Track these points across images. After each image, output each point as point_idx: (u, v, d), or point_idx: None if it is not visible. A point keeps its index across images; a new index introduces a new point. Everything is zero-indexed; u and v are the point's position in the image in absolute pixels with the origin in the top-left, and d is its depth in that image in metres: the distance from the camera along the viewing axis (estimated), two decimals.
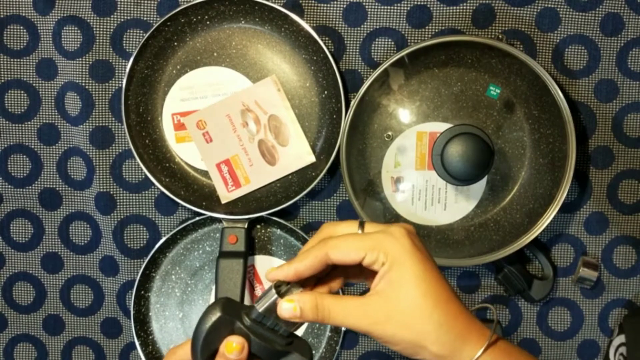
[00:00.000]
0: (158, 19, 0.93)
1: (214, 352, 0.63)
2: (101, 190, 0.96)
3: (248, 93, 0.93)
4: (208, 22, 0.92)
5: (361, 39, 0.93)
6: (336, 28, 0.93)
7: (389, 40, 0.93)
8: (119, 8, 0.93)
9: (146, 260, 0.94)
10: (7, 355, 0.99)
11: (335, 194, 0.96)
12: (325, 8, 0.93)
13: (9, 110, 0.96)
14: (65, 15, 0.93)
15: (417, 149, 0.91)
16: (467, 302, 0.96)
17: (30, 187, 0.97)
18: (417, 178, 0.91)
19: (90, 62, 0.94)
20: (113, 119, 0.95)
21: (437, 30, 0.93)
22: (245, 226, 0.93)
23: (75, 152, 0.96)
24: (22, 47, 0.94)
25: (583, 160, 0.94)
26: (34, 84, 0.95)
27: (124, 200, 0.96)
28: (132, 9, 0.93)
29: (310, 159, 0.93)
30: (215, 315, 0.62)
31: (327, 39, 0.93)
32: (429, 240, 0.92)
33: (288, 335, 0.63)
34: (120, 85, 0.94)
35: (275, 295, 0.62)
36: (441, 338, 0.61)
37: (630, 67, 0.93)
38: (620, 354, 0.92)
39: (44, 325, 0.99)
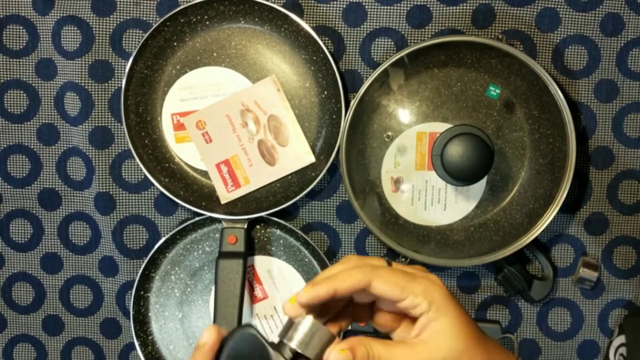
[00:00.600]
0: (158, 19, 0.93)
1: None
2: (100, 190, 0.96)
3: (248, 93, 0.93)
4: (207, 22, 0.92)
5: (361, 39, 0.93)
6: (336, 28, 0.93)
7: (389, 40, 0.93)
8: (118, 8, 0.93)
9: (146, 261, 0.94)
10: (6, 355, 0.99)
11: (335, 194, 0.95)
12: (325, 8, 0.93)
13: (9, 110, 0.95)
14: (64, 15, 0.93)
15: (417, 149, 0.91)
16: (467, 302, 0.96)
17: (29, 187, 0.97)
18: (417, 178, 0.91)
19: (90, 62, 0.94)
20: (112, 119, 0.95)
21: (437, 30, 0.92)
22: (245, 226, 0.93)
23: (75, 152, 0.96)
24: (21, 47, 0.94)
25: (583, 161, 0.94)
26: (34, 84, 0.95)
27: (124, 201, 0.96)
28: (131, 9, 0.93)
29: (310, 159, 0.93)
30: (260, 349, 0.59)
31: (326, 39, 0.93)
32: (429, 240, 0.92)
33: None
34: (119, 85, 0.94)
35: (320, 333, 0.60)
36: None
37: (630, 67, 0.93)
38: (620, 355, 0.92)
39: (44, 325, 0.99)
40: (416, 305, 0.61)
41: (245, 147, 0.93)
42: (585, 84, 0.93)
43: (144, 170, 0.92)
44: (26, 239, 0.98)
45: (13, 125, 0.96)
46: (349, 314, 0.65)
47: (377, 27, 0.93)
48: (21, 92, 0.95)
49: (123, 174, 0.96)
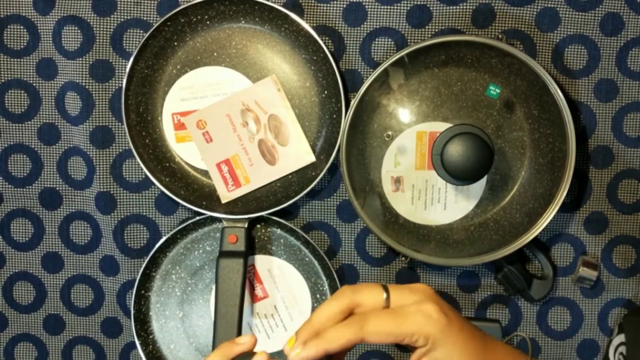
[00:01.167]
0: (158, 18, 0.93)
1: None
2: (101, 190, 0.96)
3: (248, 93, 0.93)
4: (208, 22, 0.93)
5: (361, 39, 0.93)
6: (336, 28, 0.93)
7: (389, 40, 0.93)
8: (119, 8, 0.93)
9: (146, 260, 0.94)
10: (7, 354, 0.99)
11: (335, 194, 0.96)
12: (325, 8, 0.93)
13: (9, 110, 0.96)
14: (65, 15, 0.93)
15: (417, 149, 0.91)
16: (467, 301, 0.97)
17: (30, 187, 0.97)
18: (417, 178, 0.91)
19: (91, 62, 0.94)
20: (113, 118, 0.95)
21: (437, 30, 0.93)
22: (246, 226, 0.93)
23: (76, 151, 0.96)
24: (22, 47, 0.94)
25: (583, 160, 0.94)
26: (34, 84, 0.95)
27: (124, 200, 0.96)
28: (132, 8, 0.93)
29: (310, 158, 0.93)
30: None
31: (327, 38, 0.93)
32: (429, 239, 0.92)
33: None
34: (120, 85, 0.94)
35: None
36: None
37: (630, 67, 0.93)
38: (620, 354, 0.92)
39: (45, 324, 0.99)
40: (414, 342, 0.62)
41: (245, 147, 0.93)
42: (585, 84, 0.93)
43: (145, 170, 0.92)
44: (27, 239, 0.98)
45: (14, 124, 0.96)
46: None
47: (377, 26, 0.93)
48: (22, 91, 0.95)
49: (124, 174, 0.96)
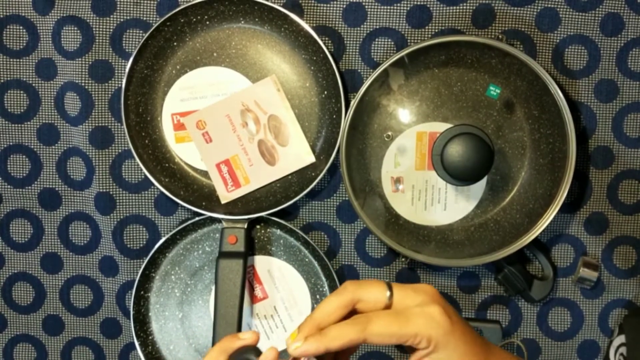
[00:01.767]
0: (158, 19, 0.93)
1: None
2: (101, 190, 0.96)
3: (248, 93, 0.93)
4: (207, 22, 0.92)
5: (361, 39, 0.93)
6: (336, 28, 0.93)
7: (389, 40, 0.93)
8: (118, 8, 0.93)
9: (146, 261, 0.94)
10: (6, 355, 0.99)
11: (335, 194, 0.95)
12: (325, 8, 0.93)
13: (9, 110, 0.95)
14: (64, 15, 0.93)
15: (417, 149, 0.91)
16: (467, 302, 0.96)
17: (29, 187, 0.97)
18: (417, 178, 0.91)
19: (90, 62, 0.94)
20: (113, 119, 0.95)
21: (437, 30, 0.93)
22: (245, 226, 0.93)
23: (75, 152, 0.96)
24: (21, 47, 0.94)
25: (583, 160, 0.94)
26: (34, 84, 0.95)
27: (124, 201, 0.96)
28: (131, 9, 0.93)
29: (310, 159, 0.93)
30: None
31: (327, 39, 0.93)
32: (429, 240, 0.92)
33: None
34: (119, 85, 0.94)
35: None
36: None
37: (630, 67, 0.93)
38: (620, 354, 0.92)
39: (44, 325, 0.99)
40: (416, 344, 0.61)
41: (245, 147, 0.93)
42: (585, 84, 0.93)
43: (144, 170, 0.92)
44: (26, 239, 0.98)
45: (13, 125, 0.96)
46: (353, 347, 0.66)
47: (377, 27, 0.93)
48: (21, 92, 0.95)
49: (123, 174, 0.96)
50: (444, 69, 0.90)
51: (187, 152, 0.94)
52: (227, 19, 0.93)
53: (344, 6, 0.92)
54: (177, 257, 0.96)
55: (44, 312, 0.99)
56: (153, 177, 0.92)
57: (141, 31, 0.93)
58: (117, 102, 0.94)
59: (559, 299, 0.96)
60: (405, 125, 0.91)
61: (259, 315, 0.96)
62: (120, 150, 0.95)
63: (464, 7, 0.92)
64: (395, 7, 0.92)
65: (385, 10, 0.92)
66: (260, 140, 0.93)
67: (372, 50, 0.93)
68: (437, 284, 0.96)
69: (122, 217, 0.96)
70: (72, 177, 0.96)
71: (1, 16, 0.94)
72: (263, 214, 0.92)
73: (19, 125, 0.96)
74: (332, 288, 0.95)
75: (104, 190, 0.96)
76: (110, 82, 0.94)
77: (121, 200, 0.96)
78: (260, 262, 0.96)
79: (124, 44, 0.94)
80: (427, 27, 0.92)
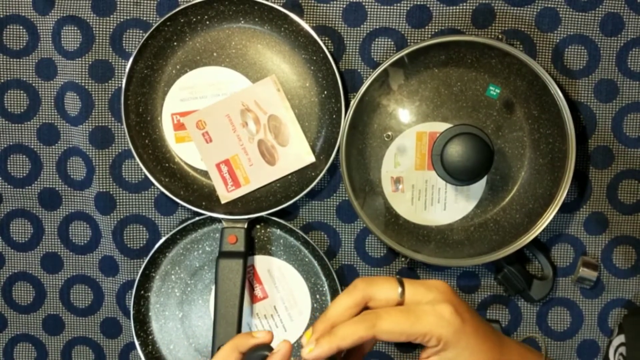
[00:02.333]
0: (158, 19, 0.93)
1: None
2: (101, 190, 0.96)
3: (248, 93, 0.93)
4: (207, 22, 0.92)
5: (361, 39, 0.93)
6: (336, 28, 0.93)
7: (389, 40, 0.93)
8: (118, 8, 0.93)
9: (146, 260, 0.94)
10: (6, 355, 0.99)
11: (335, 194, 0.95)
12: (325, 8, 0.93)
13: (9, 110, 0.96)
14: (64, 15, 0.93)
15: (416, 149, 0.91)
16: (467, 302, 0.96)
17: (30, 187, 0.97)
18: (417, 178, 0.91)
19: (90, 62, 0.94)
20: (113, 119, 0.95)
21: (436, 30, 0.93)
22: (245, 226, 0.93)
23: (75, 152, 0.96)
24: (21, 47, 0.94)
25: (583, 160, 0.94)
26: (34, 84, 0.95)
27: (124, 200, 0.96)
28: (131, 9, 0.93)
29: (310, 159, 0.93)
30: None
31: (326, 39, 0.93)
32: (429, 240, 0.92)
33: None
34: (120, 85, 0.94)
35: None
36: None
37: (630, 67, 0.93)
38: (619, 354, 0.92)
39: (44, 325, 0.99)
40: (426, 342, 0.61)
41: (245, 147, 0.93)
42: (585, 84, 0.93)
43: (144, 170, 0.92)
44: (26, 239, 0.98)
45: (13, 125, 0.96)
46: (367, 343, 0.66)
47: (377, 27, 0.93)
48: (21, 92, 0.95)
49: (123, 174, 0.96)
50: (444, 69, 0.90)
51: (187, 152, 0.94)
52: (227, 18, 0.93)
53: (344, 6, 0.92)
54: (177, 257, 0.96)
55: (44, 312, 0.99)
56: (153, 177, 0.92)
57: (141, 31, 0.93)
58: (117, 102, 0.94)
59: (558, 298, 0.96)
60: (405, 125, 0.91)
61: (259, 315, 0.96)
62: (120, 150, 0.95)
63: (464, 7, 0.92)
64: (395, 7, 0.92)
65: (385, 10, 0.92)
66: (260, 140, 0.93)
67: (372, 50, 0.93)
68: None
69: (122, 216, 0.96)
70: (72, 177, 0.96)
71: (1, 16, 0.94)
72: (263, 213, 0.92)
73: (19, 125, 0.96)
74: (332, 288, 0.95)
75: (104, 190, 0.96)
76: (110, 82, 0.94)
77: (121, 200, 0.96)
78: (260, 261, 0.96)
79: (124, 44, 0.94)
80: (427, 27, 0.92)
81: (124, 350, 0.99)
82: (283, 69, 0.93)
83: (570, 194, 0.95)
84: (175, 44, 0.93)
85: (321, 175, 0.92)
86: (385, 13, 0.92)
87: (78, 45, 0.93)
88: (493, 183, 0.91)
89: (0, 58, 0.95)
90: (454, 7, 0.92)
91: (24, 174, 0.96)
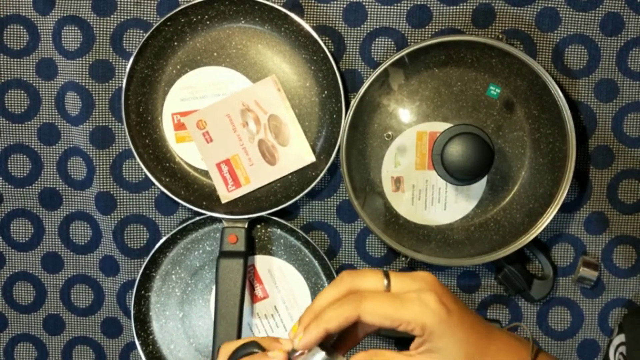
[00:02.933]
0: (158, 18, 0.93)
1: None
2: (101, 190, 0.96)
3: (248, 93, 0.93)
4: (208, 22, 0.92)
5: (361, 39, 0.93)
6: (336, 28, 0.93)
7: (389, 40, 0.93)
8: (119, 8, 0.93)
9: (146, 260, 0.94)
10: (7, 355, 0.99)
11: (335, 194, 0.96)
12: (325, 8, 0.93)
13: (9, 110, 0.96)
14: (65, 15, 0.93)
15: (417, 149, 0.91)
16: (467, 301, 0.97)
17: (30, 187, 0.97)
18: (417, 178, 0.91)
19: (90, 62, 0.94)
20: (113, 118, 0.95)
21: (437, 30, 0.93)
22: (246, 226, 0.93)
23: (76, 152, 0.96)
24: (22, 47, 0.94)
25: (583, 160, 0.94)
26: (34, 84, 0.95)
27: (124, 200, 0.96)
28: (132, 8, 0.93)
29: (310, 159, 0.93)
30: None
31: (327, 38, 0.93)
32: (429, 240, 0.92)
33: None
34: (120, 85, 0.94)
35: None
36: None
37: (630, 66, 0.93)
38: (620, 354, 0.92)
39: (44, 325, 0.99)
40: (410, 330, 0.61)
41: (245, 147, 0.93)
42: (585, 84, 0.93)
43: (145, 170, 0.92)
44: (27, 239, 0.98)
45: (14, 125, 0.96)
46: (359, 330, 0.66)
47: (377, 26, 0.93)
48: (22, 91, 0.95)
49: (124, 174, 0.96)
50: (444, 68, 0.90)
51: (187, 151, 0.94)
52: (228, 18, 0.93)
53: (344, 6, 0.92)
54: (178, 257, 0.96)
55: (45, 312, 0.99)
56: (153, 177, 0.92)
57: (141, 31, 0.93)
58: (118, 101, 0.94)
59: (559, 298, 0.97)
60: (405, 125, 0.91)
61: (259, 314, 0.96)
62: (120, 150, 0.95)
63: (464, 7, 0.92)
64: (395, 7, 0.92)
65: (385, 10, 0.92)
66: (260, 140, 0.93)
67: (372, 50, 0.93)
68: None
69: (122, 216, 0.96)
70: (72, 176, 0.96)
71: (1, 16, 0.94)
72: (263, 213, 0.92)
73: (20, 125, 0.96)
74: None
75: (105, 189, 0.96)
76: (110, 81, 0.94)
77: (122, 200, 0.96)
78: (261, 261, 0.96)
79: (124, 44, 0.94)
80: (427, 27, 0.93)
81: (124, 350, 0.99)
82: (283, 69, 0.93)
83: (571, 193, 0.95)
84: (175, 43, 0.93)
85: (321, 175, 0.92)
86: (385, 13, 0.92)
87: (78, 45, 0.93)
88: (493, 183, 0.91)
89: (1, 58, 0.95)
90: (454, 7, 0.92)
91: (25, 174, 0.96)
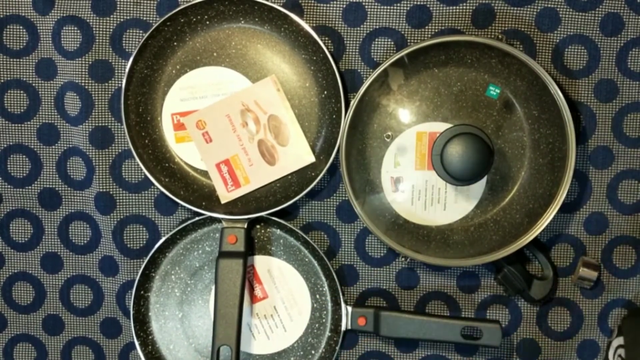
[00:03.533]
0: (158, 19, 0.93)
1: None
2: (101, 190, 0.96)
3: (248, 93, 0.93)
4: (207, 22, 0.92)
5: (361, 39, 0.93)
6: (336, 28, 0.93)
7: (389, 40, 0.93)
8: (118, 8, 0.93)
9: (146, 260, 0.94)
10: (6, 355, 0.99)
11: (335, 194, 0.95)
12: (325, 8, 0.93)
13: (9, 110, 0.96)
14: (64, 15, 0.93)
15: (416, 149, 0.91)
16: (467, 302, 0.97)
17: (29, 187, 0.97)
18: (416, 178, 0.91)
19: (90, 62, 0.94)
20: (113, 119, 0.95)
21: (436, 30, 0.93)
22: (245, 226, 0.93)
23: (75, 152, 0.96)
24: (21, 47, 0.94)
25: (583, 160, 0.94)
26: (34, 84, 0.95)
27: (124, 200, 0.96)
28: (131, 9, 0.93)
29: (310, 159, 0.93)
30: None
31: (326, 39, 0.93)
32: (429, 240, 0.92)
33: None
34: (119, 85, 0.94)
35: None
36: None
37: (630, 67, 0.93)
38: (618, 356, 0.92)
39: (44, 325, 0.99)
40: None
41: (245, 147, 0.93)
42: (585, 84, 0.93)
43: (144, 170, 0.92)
44: (26, 239, 0.98)
45: (13, 125, 0.96)
46: None
47: (377, 27, 0.93)
48: (21, 92, 0.95)
49: (123, 174, 0.96)
50: (443, 69, 0.90)
51: (187, 152, 0.94)
52: (227, 18, 0.93)
53: (344, 6, 0.92)
54: (177, 257, 0.96)
55: (44, 312, 0.99)
56: (153, 177, 0.92)
57: (141, 31, 0.93)
58: (117, 102, 0.94)
59: (558, 298, 0.96)
60: (405, 125, 0.91)
61: (258, 315, 0.96)
62: (120, 150, 0.95)
63: (464, 7, 0.92)
64: (395, 7, 0.92)
65: (385, 10, 0.92)
66: (260, 140, 0.93)
67: (372, 50, 0.93)
68: (437, 283, 0.97)
69: (122, 217, 0.96)
70: (72, 177, 0.96)
71: (1, 16, 0.94)
72: (263, 213, 0.92)
73: (19, 125, 0.96)
74: (332, 288, 0.95)
75: (104, 190, 0.96)
76: (110, 82, 0.94)
77: (121, 200, 0.96)
78: (260, 261, 0.96)
79: (124, 44, 0.94)
80: (427, 27, 0.93)
81: (123, 350, 0.99)
82: (283, 69, 0.93)
83: (570, 194, 0.95)
84: (175, 44, 0.93)
85: (321, 175, 0.92)
86: (385, 13, 0.92)
87: (78, 45, 0.93)
88: (493, 183, 0.91)
89: (0, 58, 0.95)
90: (454, 7, 0.92)
91: (24, 174, 0.96)
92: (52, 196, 0.97)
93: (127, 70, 0.91)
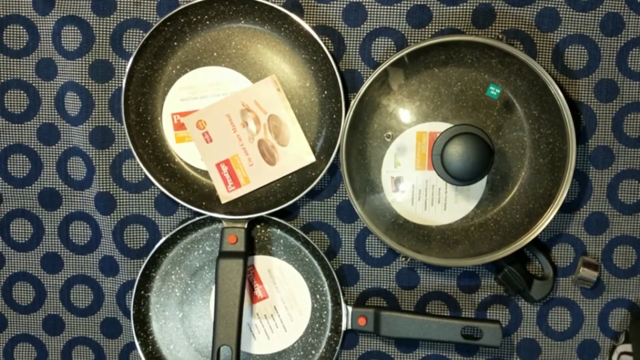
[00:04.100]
0: (158, 18, 0.93)
1: None
2: (101, 190, 0.96)
3: (248, 93, 0.93)
4: (208, 22, 0.92)
5: (361, 39, 0.93)
6: (336, 28, 0.93)
7: (389, 40, 0.93)
8: (118, 8, 0.93)
9: (146, 260, 0.94)
10: (7, 355, 0.99)
11: (335, 194, 0.96)
12: (325, 8, 0.93)
13: (9, 110, 0.96)
14: (65, 15, 0.93)
15: (417, 149, 0.91)
16: (467, 302, 0.97)
17: (30, 187, 0.97)
18: (417, 178, 0.91)
19: (90, 62, 0.94)
20: (113, 118, 0.95)
21: (437, 30, 0.93)
22: (245, 226, 0.93)
23: (75, 152, 0.96)
24: (21, 47, 0.94)
25: (583, 160, 0.94)
26: (34, 84, 0.95)
27: (124, 200, 0.96)
28: (131, 9, 0.93)
29: (310, 159, 0.93)
30: None
31: (327, 39, 0.93)
32: (429, 240, 0.92)
33: None
34: (120, 85, 0.94)
35: None
36: None
37: (630, 67, 0.93)
38: None
39: (44, 325, 0.99)
40: None
41: (245, 147, 0.93)
42: (585, 84, 0.93)
43: (145, 170, 0.92)
44: (26, 239, 0.98)
45: (13, 125, 0.96)
46: None
47: (377, 26, 0.93)
48: (21, 92, 0.95)
49: (123, 174, 0.96)
50: (444, 68, 0.90)
51: (187, 152, 0.94)
52: (227, 18, 0.93)
53: (344, 6, 0.92)
54: (178, 257, 0.96)
55: (44, 312, 0.99)
56: (153, 177, 0.92)
57: (141, 31, 0.93)
58: (117, 102, 0.94)
59: (559, 298, 0.96)
60: (405, 125, 0.91)
61: (259, 315, 0.96)
62: (120, 150, 0.95)
63: (464, 7, 0.92)
64: (395, 7, 0.92)
65: (385, 10, 0.92)
66: (260, 140, 0.93)
67: (372, 50, 0.93)
68: (437, 283, 0.97)
69: (122, 216, 0.96)
70: (72, 177, 0.96)
71: (1, 16, 0.94)
72: (263, 213, 0.92)
73: (19, 125, 0.96)
74: (332, 288, 0.95)
75: (104, 190, 0.96)
76: (110, 82, 0.94)
77: (121, 200, 0.96)
78: (261, 261, 0.96)
79: (124, 44, 0.94)
80: (427, 27, 0.93)
81: (124, 350, 0.99)
82: (283, 69, 0.93)
83: (570, 194, 0.95)
84: (175, 44, 0.93)
85: (321, 175, 0.92)
86: (385, 13, 0.92)
87: (78, 45, 0.93)
88: (493, 183, 0.91)
89: (0, 58, 0.95)
90: (454, 7, 0.92)
91: (24, 174, 0.96)
92: (53, 196, 0.97)
93: (127, 70, 0.91)
